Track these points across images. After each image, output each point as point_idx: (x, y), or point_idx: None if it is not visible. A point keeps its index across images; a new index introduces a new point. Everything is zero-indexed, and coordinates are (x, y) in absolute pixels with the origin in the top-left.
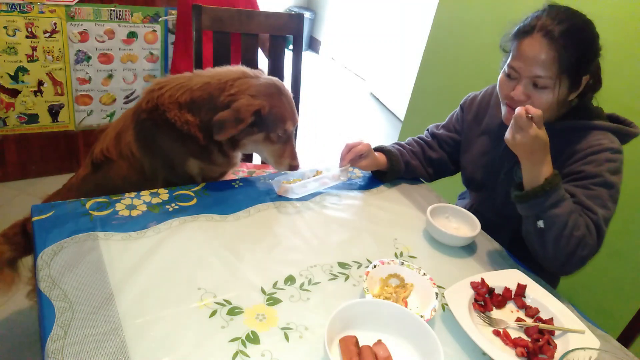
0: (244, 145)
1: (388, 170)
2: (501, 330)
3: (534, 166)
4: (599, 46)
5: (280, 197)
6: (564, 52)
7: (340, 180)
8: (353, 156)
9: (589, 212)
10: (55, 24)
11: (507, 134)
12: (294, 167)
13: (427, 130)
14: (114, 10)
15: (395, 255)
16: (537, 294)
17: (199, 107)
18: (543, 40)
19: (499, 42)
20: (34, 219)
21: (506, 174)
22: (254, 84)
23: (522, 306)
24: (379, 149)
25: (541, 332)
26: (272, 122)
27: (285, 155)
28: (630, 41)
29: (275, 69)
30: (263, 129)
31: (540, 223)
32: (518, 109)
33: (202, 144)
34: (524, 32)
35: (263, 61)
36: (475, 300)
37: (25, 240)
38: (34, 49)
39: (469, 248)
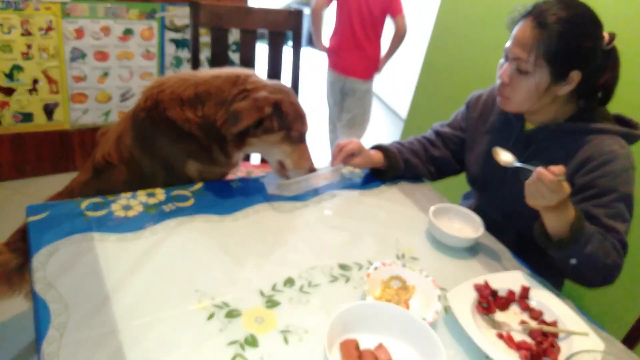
0: (253, 144)
1: (386, 168)
2: (505, 333)
3: (560, 215)
4: (595, 46)
5: (279, 198)
6: (547, 39)
7: (332, 180)
8: (344, 155)
9: (612, 232)
10: (50, 21)
11: (533, 199)
12: (312, 170)
13: (432, 128)
14: (109, 7)
15: (397, 256)
16: (541, 296)
17: (203, 101)
18: (532, 24)
19: (506, 23)
20: (29, 219)
21: (512, 173)
22: (268, 83)
23: (526, 308)
24: (376, 147)
25: (545, 334)
26: (293, 118)
27: (304, 156)
28: (635, 38)
29: (274, 65)
30: (283, 126)
31: (573, 261)
32: (543, 174)
33: (203, 143)
34: (522, 15)
35: (262, 56)
36: (479, 302)
37: (26, 245)
38: (29, 46)
39: (472, 249)
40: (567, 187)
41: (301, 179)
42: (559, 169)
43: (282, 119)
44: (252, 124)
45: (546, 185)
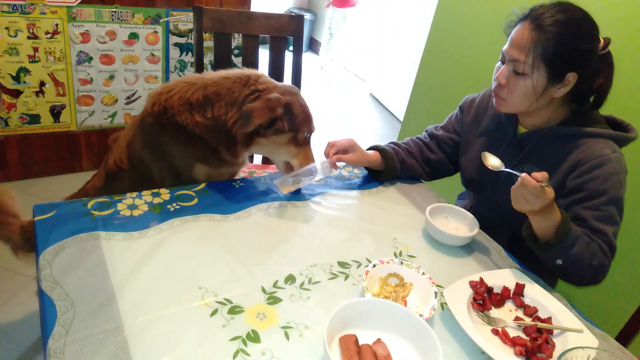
0: (261, 144)
1: (383, 169)
2: (500, 329)
3: (545, 218)
4: (592, 48)
5: (280, 197)
6: (544, 40)
7: (326, 175)
8: (336, 151)
9: (600, 234)
10: (56, 25)
11: (518, 204)
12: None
13: (426, 131)
14: (115, 12)
15: (395, 254)
16: (536, 293)
17: (213, 102)
18: (529, 26)
19: (503, 27)
20: (36, 218)
21: (506, 175)
22: (278, 84)
23: (521, 305)
24: (373, 148)
25: (540, 331)
26: (301, 120)
27: (309, 157)
28: (629, 41)
29: (276, 70)
30: (292, 127)
31: (559, 261)
32: (527, 180)
33: (210, 145)
34: (519, 19)
35: (264, 61)
36: (474, 299)
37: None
38: (35, 49)
39: (468, 247)
40: (550, 193)
41: (295, 173)
42: (542, 175)
43: (292, 120)
44: (263, 124)
45: (529, 191)
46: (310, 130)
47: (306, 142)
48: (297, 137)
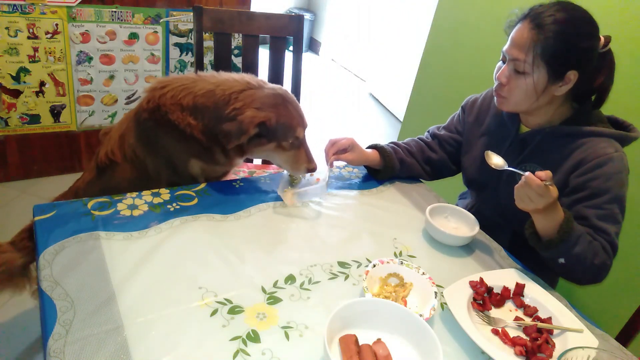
0: (254, 152)
1: (381, 167)
2: (500, 329)
3: (548, 217)
4: (592, 46)
5: (280, 197)
6: (544, 39)
7: (330, 173)
8: (336, 150)
9: (602, 233)
10: (56, 24)
11: (522, 202)
12: (311, 169)
13: (428, 131)
14: (115, 12)
15: (395, 254)
16: (536, 293)
17: (202, 113)
18: (529, 25)
19: (504, 26)
20: (36, 218)
21: (508, 175)
22: (259, 96)
23: (521, 305)
24: (372, 147)
25: (540, 331)
26: (282, 131)
27: (300, 160)
28: (629, 40)
29: (276, 70)
30: (272, 139)
31: (561, 260)
32: (531, 178)
33: (204, 145)
34: (519, 19)
35: (264, 61)
36: (474, 299)
37: (32, 244)
38: (35, 49)
39: (468, 247)
40: (554, 192)
41: (311, 187)
42: (545, 174)
43: (270, 135)
44: (241, 143)
45: (534, 190)
46: (297, 135)
47: (295, 147)
48: (282, 145)
